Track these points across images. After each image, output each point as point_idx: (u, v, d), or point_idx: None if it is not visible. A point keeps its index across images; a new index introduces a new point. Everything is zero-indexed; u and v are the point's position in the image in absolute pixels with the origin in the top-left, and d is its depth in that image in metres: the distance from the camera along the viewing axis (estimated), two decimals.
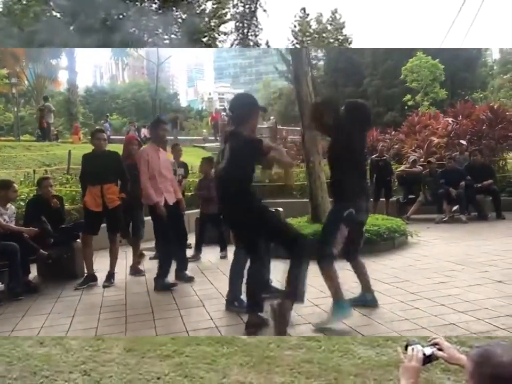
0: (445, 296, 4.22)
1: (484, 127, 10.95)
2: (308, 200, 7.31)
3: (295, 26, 31.18)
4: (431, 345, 1.68)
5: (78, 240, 5.88)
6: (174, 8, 16.33)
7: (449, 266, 5.37)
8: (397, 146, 12.48)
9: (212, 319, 4.01)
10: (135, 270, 5.93)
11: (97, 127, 5.14)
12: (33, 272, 5.73)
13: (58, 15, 14.67)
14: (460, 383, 2.84)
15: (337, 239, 3.67)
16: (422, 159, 10.55)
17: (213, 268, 6.10)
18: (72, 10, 13.81)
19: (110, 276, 5.47)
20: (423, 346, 1.65)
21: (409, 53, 25.66)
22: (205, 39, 16.72)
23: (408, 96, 24.37)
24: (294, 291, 3.44)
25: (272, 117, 23.47)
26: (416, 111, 15.94)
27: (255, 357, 3.28)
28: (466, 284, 4.58)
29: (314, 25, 31.80)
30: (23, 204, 6.74)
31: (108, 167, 5.36)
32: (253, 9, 18.93)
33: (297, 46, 29.81)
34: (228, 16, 17.88)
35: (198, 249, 6.71)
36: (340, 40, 30.70)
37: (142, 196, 5.21)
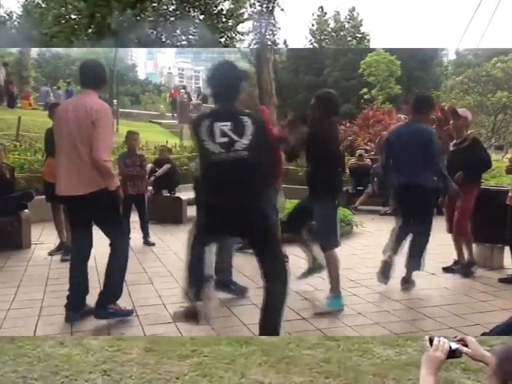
0: (382, 285, 4.49)
1: (433, 127, 11.40)
2: None
3: (312, 25, 30.90)
4: (457, 341, 1.67)
5: (25, 210, 5.77)
6: (191, 9, 16.03)
7: None
8: (350, 138, 12.81)
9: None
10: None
11: (53, 102, 4.99)
12: None
13: (76, 18, 14.32)
14: (479, 382, 2.91)
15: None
16: (373, 153, 10.91)
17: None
18: (89, 12, 13.54)
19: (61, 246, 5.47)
20: (449, 340, 1.65)
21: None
22: (222, 39, 16.41)
23: (365, 90, 24.86)
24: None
25: None
26: (371, 105, 16.34)
27: (273, 356, 3.28)
28: (403, 275, 4.86)
29: (332, 23, 31.35)
30: None
31: None
32: (270, 8, 18.55)
33: (315, 45, 29.43)
34: (245, 16, 17.51)
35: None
36: (357, 39, 30.56)
37: None
